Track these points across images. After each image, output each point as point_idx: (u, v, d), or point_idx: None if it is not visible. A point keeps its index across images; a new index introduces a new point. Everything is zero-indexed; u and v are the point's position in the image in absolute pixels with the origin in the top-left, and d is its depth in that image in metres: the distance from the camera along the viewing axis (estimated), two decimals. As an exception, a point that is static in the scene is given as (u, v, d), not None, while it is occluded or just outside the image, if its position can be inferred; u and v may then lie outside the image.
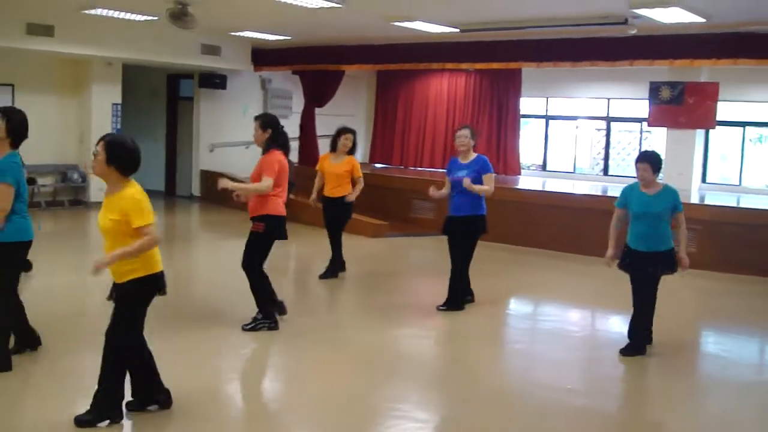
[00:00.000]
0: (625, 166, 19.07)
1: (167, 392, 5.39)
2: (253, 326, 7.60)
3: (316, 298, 9.91)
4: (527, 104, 19.29)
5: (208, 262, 12.36)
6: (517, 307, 9.68)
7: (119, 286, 5.04)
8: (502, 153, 18.95)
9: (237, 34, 16.35)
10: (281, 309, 8.06)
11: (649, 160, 7.23)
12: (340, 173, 10.32)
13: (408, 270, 11.98)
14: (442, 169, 18.90)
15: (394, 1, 11.83)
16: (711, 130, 16.67)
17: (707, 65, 14.31)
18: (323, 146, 18.49)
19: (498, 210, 11.99)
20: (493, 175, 8.71)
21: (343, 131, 10.46)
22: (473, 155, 8.72)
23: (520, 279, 9.71)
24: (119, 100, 16.83)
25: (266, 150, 7.77)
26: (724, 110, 16.01)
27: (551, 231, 13.12)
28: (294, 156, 16.67)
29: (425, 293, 10.11)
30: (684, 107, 15.77)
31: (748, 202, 13.66)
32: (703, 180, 17.07)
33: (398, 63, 17.01)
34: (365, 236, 13.48)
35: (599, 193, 15.07)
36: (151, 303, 5.14)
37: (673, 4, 10.82)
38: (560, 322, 9.26)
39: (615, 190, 15.00)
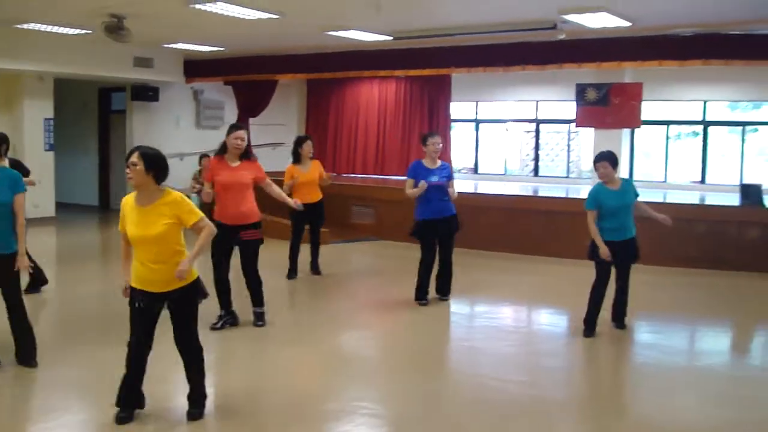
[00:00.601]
0: (554, 167, 19.55)
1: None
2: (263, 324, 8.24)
3: (283, 302, 10.03)
4: (457, 108, 19.55)
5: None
6: (462, 305, 9.93)
7: (170, 293, 5.35)
8: (434, 157, 19.20)
9: (170, 46, 16.35)
10: (234, 319, 8.28)
11: (608, 158, 7.96)
12: (313, 179, 10.86)
13: (358, 274, 12.11)
14: (375, 174, 19.22)
15: (330, 12, 12.01)
16: (636, 129, 17.24)
17: (633, 67, 14.78)
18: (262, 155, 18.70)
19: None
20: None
21: (303, 139, 11.09)
22: (439, 161, 9.29)
23: (461, 279, 9.98)
24: (51, 115, 16.70)
25: (248, 157, 8.14)
26: (648, 110, 16.53)
27: (485, 232, 13.39)
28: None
29: (379, 295, 10.52)
30: (610, 108, 16.27)
31: (675, 198, 14.12)
32: (630, 177, 17.55)
33: (332, 71, 17.16)
34: (307, 243, 13.58)
35: (531, 194, 15.49)
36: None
37: (601, 9, 11.26)
38: (505, 319, 9.67)
39: (545, 191, 15.60)
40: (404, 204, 13.65)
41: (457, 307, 9.77)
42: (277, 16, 11.82)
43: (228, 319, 8.19)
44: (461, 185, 16.54)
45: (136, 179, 5.21)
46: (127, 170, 5.22)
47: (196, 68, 18.31)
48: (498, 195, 14.93)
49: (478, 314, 9.89)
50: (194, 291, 5.44)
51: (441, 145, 9.40)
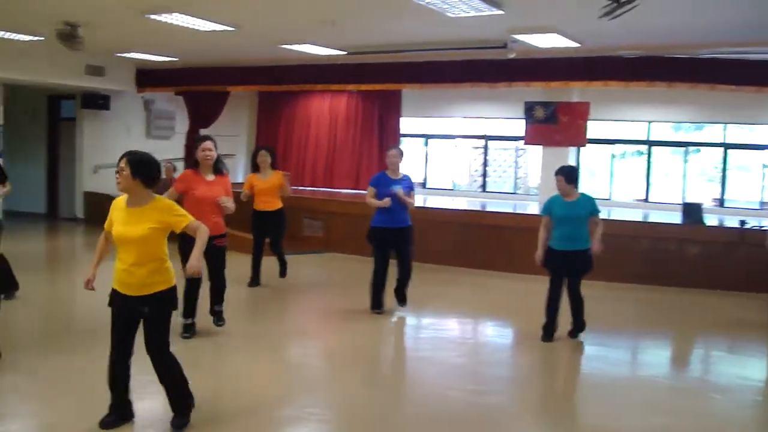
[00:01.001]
0: (501, 183, 19.83)
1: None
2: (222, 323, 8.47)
3: (240, 311, 10.04)
4: (407, 124, 19.75)
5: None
6: (412, 317, 10.07)
7: (145, 297, 5.39)
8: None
9: (123, 55, 16.33)
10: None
11: (562, 173, 8.59)
12: (272, 187, 11.05)
13: (311, 285, 12.02)
14: (325, 187, 19.31)
15: (285, 26, 12.15)
16: (582, 148, 17.59)
17: (580, 87, 15.13)
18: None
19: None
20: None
21: (257, 150, 11.44)
22: (401, 173, 9.61)
23: (411, 292, 10.13)
24: (0, 121, 16.55)
25: (221, 172, 8.36)
26: (595, 129, 16.88)
27: (435, 246, 13.57)
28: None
29: (332, 305, 10.70)
30: (557, 126, 16.57)
31: (619, 215, 14.41)
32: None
33: (285, 84, 17.32)
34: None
35: (481, 209, 15.70)
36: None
37: (551, 31, 11.56)
38: (454, 330, 9.88)
39: (494, 206, 15.84)
40: (354, 217, 13.90)
41: (408, 318, 9.92)
42: (232, 29, 11.92)
43: (194, 328, 8.32)
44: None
45: (123, 184, 5.33)
46: (117, 175, 5.34)
47: (148, 78, 18.30)
48: (451, 210, 15.10)
49: (427, 326, 10.03)
50: (170, 298, 5.50)
51: (398, 158, 9.61)
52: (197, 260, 5.61)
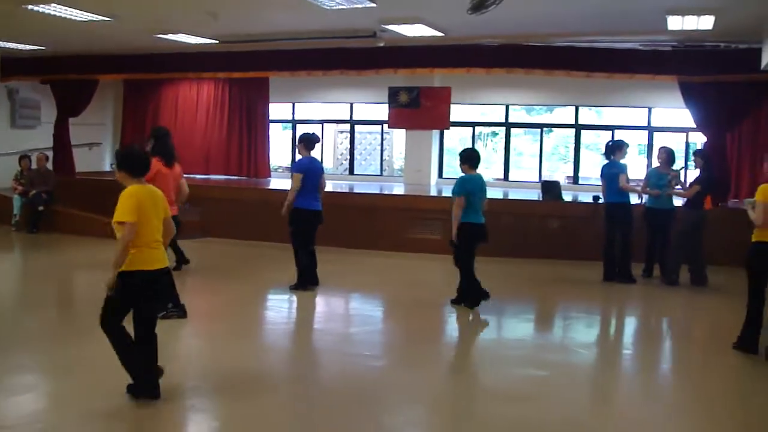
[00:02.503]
0: (367, 165, 20.52)
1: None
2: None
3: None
4: (275, 110, 20.05)
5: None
6: (305, 294, 10.59)
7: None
8: (252, 157, 19.56)
9: (-14, 43, 16.06)
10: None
11: (459, 155, 9.64)
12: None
13: (200, 270, 12.15)
14: (199, 174, 19.33)
15: (164, 16, 12.41)
16: (445, 130, 18.44)
17: (444, 73, 15.93)
18: (78, 155, 18.61)
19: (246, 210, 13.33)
20: (295, 174, 10.32)
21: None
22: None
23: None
24: None
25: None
26: (456, 112, 17.75)
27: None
28: (50, 166, 16.66)
29: (222, 286, 11.12)
30: (420, 110, 17.40)
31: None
32: (440, 175, 18.76)
33: (155, 72, 17.48)
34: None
35: (346, 191, 16.29)
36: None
37: (418, 21, 12.25)
38: (341, 305, 10.60)
39: (360, 188, 16.43)
40: (231, 202, 14.29)
41: (299, 296, 10.46)
42: (110, 19, 12.06)
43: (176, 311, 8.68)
44: (278, 184, 17.31)
45: (118, 177, 5.92)
46: None
47: (12, 66, 17.85)
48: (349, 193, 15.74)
49: (319, 302, 10.50)
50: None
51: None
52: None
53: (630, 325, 9.99)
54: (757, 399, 6.69)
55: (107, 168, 19.68)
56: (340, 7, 10.79)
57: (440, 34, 13.16)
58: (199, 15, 11.97)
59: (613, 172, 11.35)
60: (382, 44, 13.77)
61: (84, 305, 9.07)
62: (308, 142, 10.26)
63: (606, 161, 11.62)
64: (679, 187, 11.37)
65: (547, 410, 6.15)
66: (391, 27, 12.63)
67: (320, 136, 12.67)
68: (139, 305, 5.88)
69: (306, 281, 10.38)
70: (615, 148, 11.56)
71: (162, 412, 5.85)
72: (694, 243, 11.22)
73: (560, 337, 9.09)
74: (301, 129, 20.47)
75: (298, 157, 10.49)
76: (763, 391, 6.91)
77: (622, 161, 11.57)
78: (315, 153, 10.48)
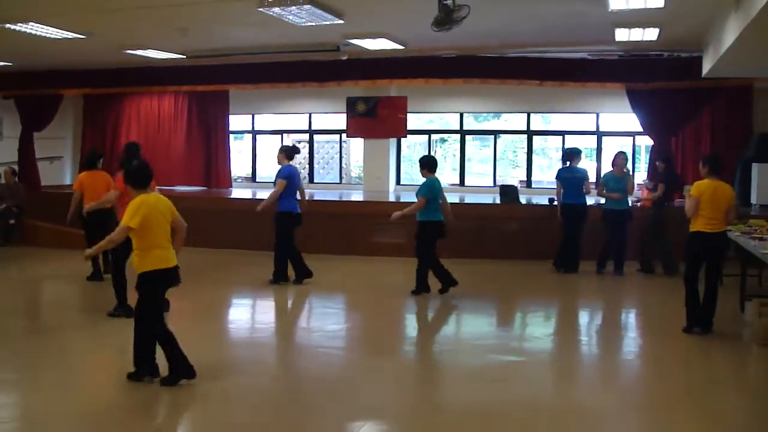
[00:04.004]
0: (325, 174, 21.00)
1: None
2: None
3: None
4: (235, 121, 20.41)
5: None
6: (278, 295, 11.25)
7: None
8: (213, 167, 19.91)
9: (-51, 59, 16.21)
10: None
11: (419, 162, 10.99)
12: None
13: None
14: (160, 185, 19.52)
15: (137, 33, 12.86)
16: (402, 139, 19.05)
17: (403, 84, 16.56)
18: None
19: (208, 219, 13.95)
20: (280, 180, 11.34)
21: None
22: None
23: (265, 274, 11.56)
24: None
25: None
26: (413, 120, 18.35)
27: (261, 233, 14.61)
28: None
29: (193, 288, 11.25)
30: (378, 119, 17.95)
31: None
32: (398, 182, 19.34)
33: (121, 86, 17.82)
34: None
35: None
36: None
37: (381, 36, 12.86)
38: (319, 305, 11.23)
39: (321, 196, 16.91)
40: (194, 212, 14.69)
41: (276, 296, 11.22)
42: (84, 36, 12.43)
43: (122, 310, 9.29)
44: (240, 194, 17.79)
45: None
46: None
47: (-25, 82, 18.08)
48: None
49: (297, 302, 11.28)
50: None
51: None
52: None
53: (588, 314, 10.76)
54: (695, 360, 8.01)
55: (68, 181, 19.89)
56: (309, 24, 11.31)
57: (401, 47, 13.76)
58: (169, 31, 12.41)
59: (572, 177, 12.52)
60: (345, 57, 14.34)
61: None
62: (289, 151, 11.43)
63: (563, 165, 12.57)
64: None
65: (514, 392, 6.92)
66: (354, 41, 13.19)
67: (300, 148, 13.51)
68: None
69: (281, 277, 11.56)
70: (573, 155, 12.70)
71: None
72: (665, 236, 12.35)
73: (523, 328, 10.00)
74: (261, 140, 21.03)
75: (278, 166, 11.46)
76: (697, 353, 8.18)
77: (579, 166, 12.72)
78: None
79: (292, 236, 11.50)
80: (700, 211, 8.52)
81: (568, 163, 12.68)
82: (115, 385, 6.84)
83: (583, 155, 13.16)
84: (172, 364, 6.66)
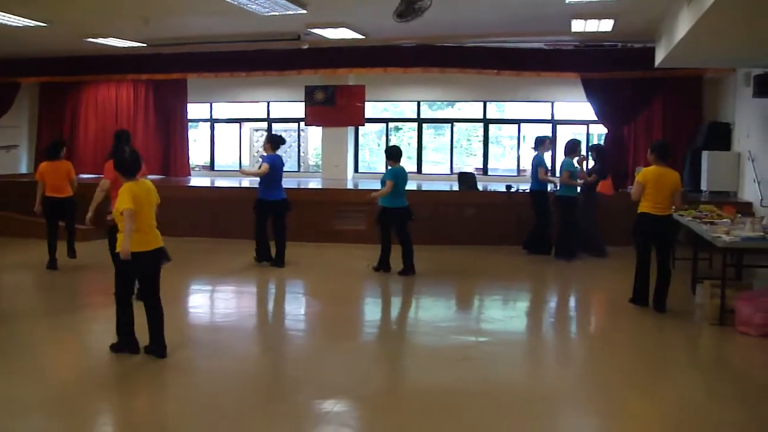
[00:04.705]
0: (284, 161, 21.04)
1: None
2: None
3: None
4: (193, 110, 20.37)
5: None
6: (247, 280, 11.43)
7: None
8: (172, 156, 19.85)
9: None
10: None
11: (385, 152, 11.65)
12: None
13: None
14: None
15: (98, 21, 12.89)
16: (360, 127, 19.25)
17: (363, 73, 16.74)
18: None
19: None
20: (264, 164, 11.89)
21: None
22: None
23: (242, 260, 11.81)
24: None
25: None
26: (369, 109, 18.50)
27: (222, 220, 15.02)
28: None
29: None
30: (336, 108, 18.06)
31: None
32: (356, 170, 19.56)
33: (79, 75, 17.73)
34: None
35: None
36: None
37: (342, 25, 13.04)
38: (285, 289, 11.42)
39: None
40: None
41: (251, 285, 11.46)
42: (45, 25, 12.42)
43: None
44: (198, 182, 17.87)
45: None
46: None
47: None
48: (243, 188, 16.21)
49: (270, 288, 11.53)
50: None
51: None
52: None
53: (544, 296, 11.19)
54: (649, 340, 8.36)
55: (24, 170, 19.80)
56: (273, 13, 11.46)
57: (362, 36, 13.93)
58: (131, 20, 12.46)
59: (533, 164, 13.02)
60: (306, 47, 14.48)
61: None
62: (274, 142, 12.09)
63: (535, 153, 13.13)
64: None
65: (480, 370, 7.19)
66: (316, 30, 13.33)
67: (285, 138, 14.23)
68: (144, 277, 7.20)
69: (264, 256, 12.23)
70: (538, 143, 13.26)
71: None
72: (594, 221, 12.93)
73: (482, 310, 10.35)
74: (219, 128, 21.05)
75: (264, 154, 12.31)
76: (651, 333, 8.59)
77: (546, 153, 13.28)
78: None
79: (264, 222, 12.12)
80: (646, 196, 9.04)
81: (536, 150, 13.14)
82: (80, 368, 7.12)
83: (549, 142, 13.97)
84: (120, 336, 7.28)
